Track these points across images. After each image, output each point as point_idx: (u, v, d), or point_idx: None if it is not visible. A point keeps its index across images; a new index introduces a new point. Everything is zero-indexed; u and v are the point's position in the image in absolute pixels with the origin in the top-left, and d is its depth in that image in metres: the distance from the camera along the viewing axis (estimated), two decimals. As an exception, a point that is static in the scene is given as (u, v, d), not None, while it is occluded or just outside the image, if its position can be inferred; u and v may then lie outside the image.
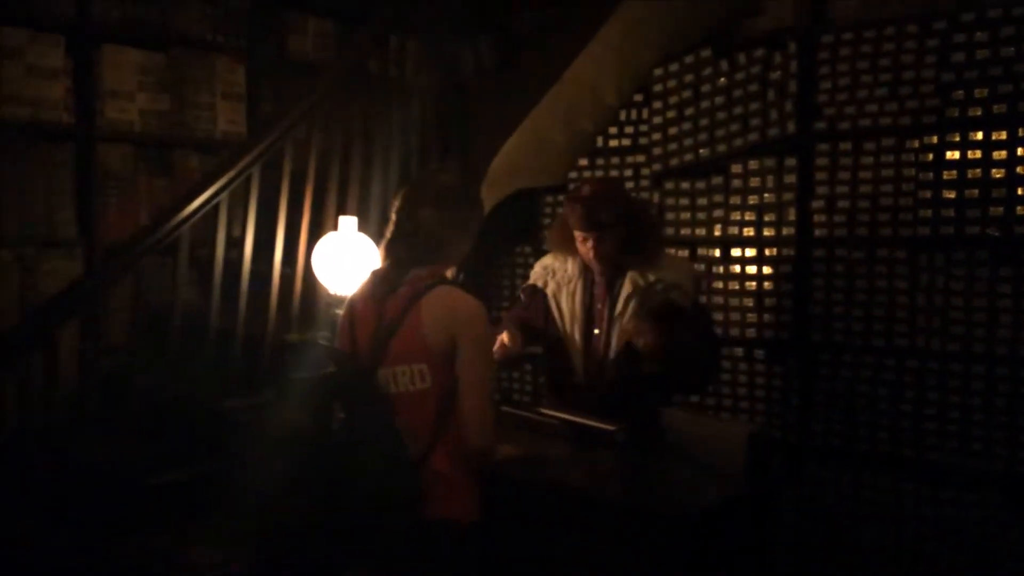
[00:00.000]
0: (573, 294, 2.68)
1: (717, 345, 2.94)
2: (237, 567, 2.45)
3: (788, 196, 3.38)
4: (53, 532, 2.58)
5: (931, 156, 3.08)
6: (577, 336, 2.66)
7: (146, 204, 3.61)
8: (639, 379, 2.55)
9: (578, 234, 2.61)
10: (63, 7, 3.39)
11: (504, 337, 2.62)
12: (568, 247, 2.69)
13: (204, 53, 3.80)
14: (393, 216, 2.08)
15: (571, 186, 3.98)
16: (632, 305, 2.58)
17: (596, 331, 2.66)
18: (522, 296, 2.90)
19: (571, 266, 2.71)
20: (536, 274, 2.82)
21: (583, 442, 2.48)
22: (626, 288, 2.60)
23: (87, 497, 2.66)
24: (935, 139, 3.08)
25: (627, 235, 2.58)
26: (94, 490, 2.69)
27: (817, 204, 3.31)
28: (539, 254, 4.11)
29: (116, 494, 2.69)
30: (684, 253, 3.62)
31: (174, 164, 3.73)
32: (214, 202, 3.00)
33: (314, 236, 3.15)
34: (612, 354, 2.62)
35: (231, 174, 3.01)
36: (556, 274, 2.74)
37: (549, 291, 2.75)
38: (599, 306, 2.65)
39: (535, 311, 2.78)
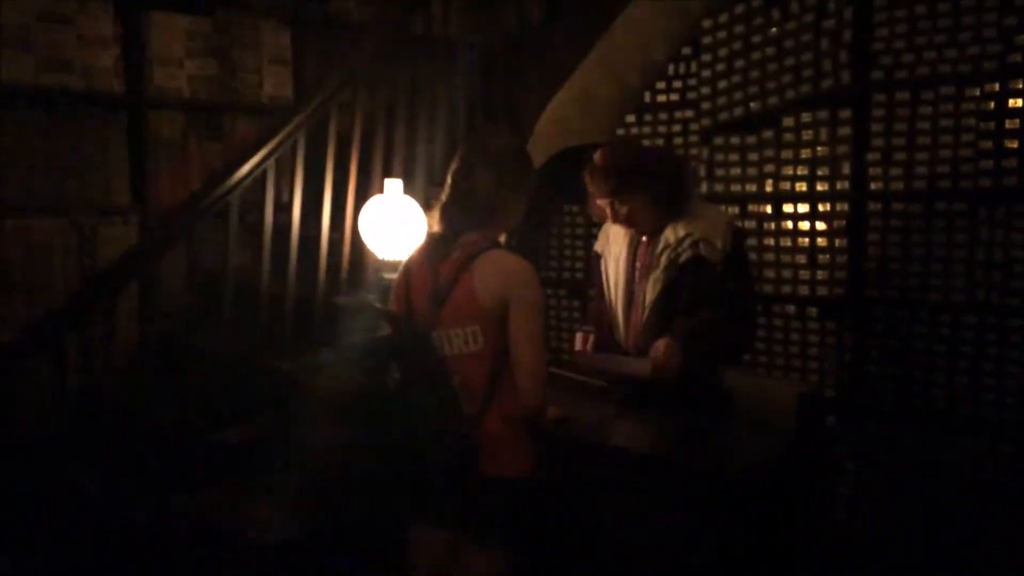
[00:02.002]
0: (618, 259, 2.66)
1: (750, 306, 2.84)
2: (297, 523, 2.52)
3: (842, 149, 3.29)
4: (119, 488, 2.67)
5: (992, 104, 2.97)
6: (619, 302, 2.64)
7: (197, 169, 3.66)
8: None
9: (600, 201, 2.59)
10: (110, -26, 3.42)
11: (578, 338, 2.65)
12: (606, 214, 2.67)
13: (250, 17, 3.81)
14: (448, 179, 2.08)
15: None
16: (663, 261, 2.53)
17: (637, 292, 2.63)
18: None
19: (622, 231, 2.68)
20: (599, 240, 2.79)
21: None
22: (660, 244, 2.55)
23: (151, 454, 2.75)
24: (996, 87, 2.96)
25: (654, 194, 2.53)
26: (157, 447, 2.78)
27: (873, 157, 3.22)
28: (586, 213, 4.10)
29: (178, 452, 2.78)
30: (734, 210, 3.56)
31: (223, 129, 3.77)
32: (262, 167, 3.03)
33: (361, 199, 3.16)
34: (643, 319, 2.59)
35: (277, 140, 3.04)
36: (611, 239, 2.71)
37: (603, 257, 2.72)
38: (640, 268, 2.62)
39: (596, 281, 2.77)
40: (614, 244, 2.68)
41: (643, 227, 2.59)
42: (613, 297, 2.66)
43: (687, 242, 2.50)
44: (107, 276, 2.94)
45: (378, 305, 2.20)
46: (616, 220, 2.59)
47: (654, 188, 2.52)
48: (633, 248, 2.63)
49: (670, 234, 2.53)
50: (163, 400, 2.98)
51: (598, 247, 2.77)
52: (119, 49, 3.44)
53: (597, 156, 2.56)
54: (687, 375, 2.43)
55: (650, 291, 2.54)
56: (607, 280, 2.68)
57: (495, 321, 1.96)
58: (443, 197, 2.09)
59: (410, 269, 2.12)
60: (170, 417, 2.92)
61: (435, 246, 2.08)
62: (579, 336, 2.71)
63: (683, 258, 2.50)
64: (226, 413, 2.91)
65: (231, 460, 2.80)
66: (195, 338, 3.13)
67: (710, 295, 2.48)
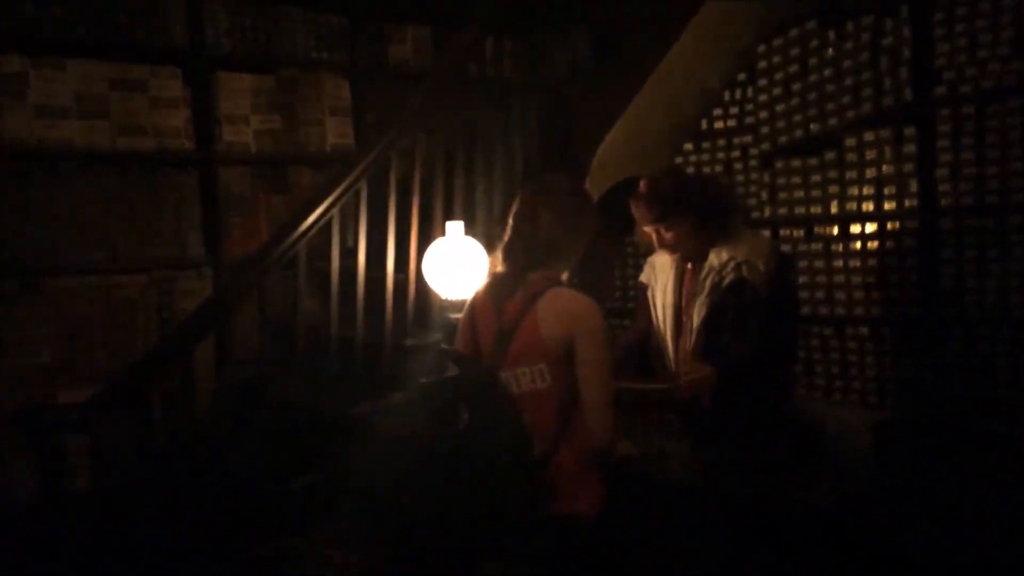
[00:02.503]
0: (666, 287, 2.67)
1: (794, 330, 2.83)
2: (372, 567, 2.53)
3: (908, 167, 3.23)
4: (197, 535, 2.73)
5: (1064, 113, 2.89)
6: (668, 330, 2.64)
7: (266, 220, 3.77)
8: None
9: (646, 228, 2.60)
10: (177, 39, 3.59)
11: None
12: (653, 241, 2.69)
13: (311, 71, 3.94)
14: (511, 220, 2.12)
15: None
16: (707, 285, 2.53)
17: (684, 318, 2.63)
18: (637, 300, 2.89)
19: (668, 257, 2.69)
20: (644, 271, 2.81)
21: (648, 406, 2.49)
22: (705, 269, 2.56)
23: (228, 501, 2.81)
24: (1067, 95, 2.88)
25: (697, 220, 2.54)
26: (234, 495, 2.83)
27: (941, 173, 3.15)
28: (647, 243, 4.08)
29: (253, 498, 2.83)
30: (799, 233, 3.51)
31: (289, 180, 3.89)
32: (327, 216, 3.11)
33: (424, 242, 3.21)
34: (691, 344, 2.57)
35: (341, 188, 3.10)
36: (656, 269, 2.74)
37: (650, 286, 2.74)
38: (686, 294, 2.62)
39: (643, 311, 2.78)
40: (660, 273, 2.71)
41: (688, 253, 2.61)
42: (662, 325, 2.67)
43: (730, 265, 2.51)
44: (184, 329, 3.04)
45: (444, 346, 2.23)
46: (662, 246, 2.61)
47: (697, 214, 2.54)
48: (679, 276, 2.65)
49: (714, 259, 2.55)
50: (237, 447, 3.05)
51: (644, 278, 2.81)
52: (189, 110, 3.58)
53: (642, 184, 2.60)
54: (742, 405, 2.41)
55: (696, 316, 2.55)
56: (655, 308, 2.70)
57: (561, 359, 1.97)
58: (505, 238, 2.12)
59: (475, 309, 2.15)
60: (243, 464, 2.98)
61: (499, 286, 2.11)
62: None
63: (727, 281, 2.50)
64: (298, 459, 2.96)
65: (303, 505, 2.84)
66: (268, 385, 3.20)
67: (753, 318, 2.47)
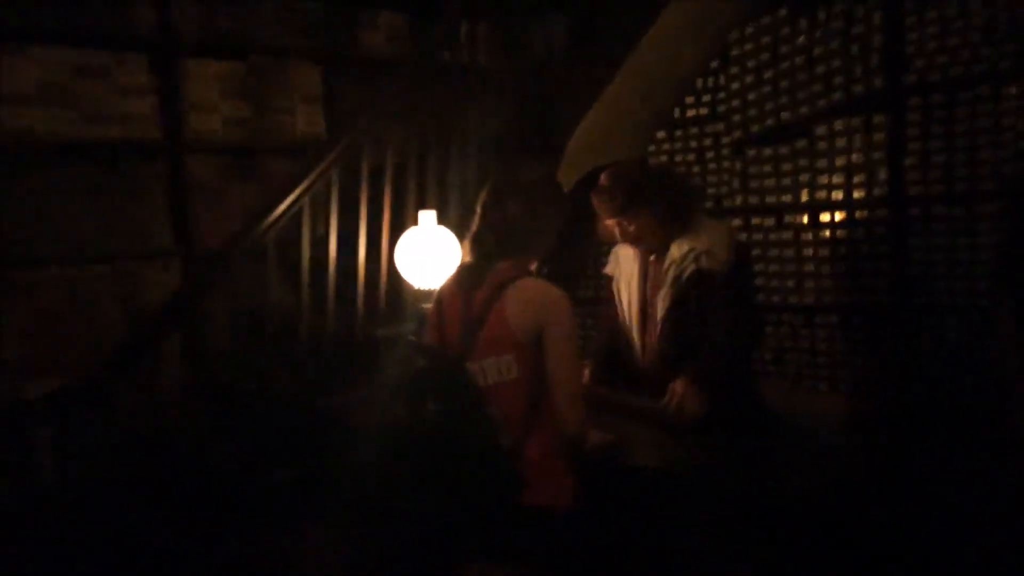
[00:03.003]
0: (630, 279, 2.67)
1: (757, 319, 2.85)
2: (351, 562, 2.52)
3: (878, 155, 3.24)
4: (171, 530, 2.71)
5: (1032, 101, 2.91)
6: (634, 321, 2.64)
7: (236, 209, 3.73)
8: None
9: (608, 222, 2.60)
10: (144, 25, 3.52)
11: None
12: (612, 235, 2.68)
13: (281, 58, 3.89)
14: (479, 209, 2.10)
15: (650, 159, 3.92)
16: (669, 277, 2.53)
17: (650, 310, 2.63)
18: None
19: (632, 250, 2.69)
20: (609, 263, 2.80)
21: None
22: (667, 261, 2.56)
23: (203, 495, 2.78)
24: (1035, 82, 2.90)
25: (659, 210, 2.55)
26: (210, 488, 2.81)
27: (910, 161, 3.17)
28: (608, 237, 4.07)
29: (230, 492, 2.81)
30: (769, 221, 3.52)
31: (259, 169, 3.84)
32: (298, 205, 3.07)
33: (396, 231, 3.19)
34: (656, 336, 2.58)
35: (312, 177, 3.08)
36: (620, 261, 2.73)
37: (615, 278, 2.73)
38: (650, 286, 2.62)
39: (610, 303, 2.77)
40: (624, 264, 2.71)
41: (650, 245, 2.61)
42: (628, 316, 2.67)
43: (690, 256, 2.52)
44: (152, 320, 3.00)
45: (412, 337, 2.22)
46: (625, 239, 2.61)
47: (658, 205, 2.55)
48: (643, 267, 2.64)
49: (675, 250, 2.55)
50: (211, 441, 3.02)
51: (609, 269, 2.80)
52: (156, 98, 3.52)
53: (602, 177, 2.59)
54: (722, 399, 2.41)
55: (660, 307, 2.55)
56: (620, 300, 2.70)
57: (529, 349, 1.96)
58: (473, 227, 2.11)
59: (442, 300, 2.13)
60: (222, 457, 2.95)
61: (466, 276, 2.09)
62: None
63: (687, 272, 2.52)
64: (271, 451, 2.94)
65: (280, 499, 2.82)
66: (239, 377, 3.18)
67: (716, 307, 2.48)
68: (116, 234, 3.43)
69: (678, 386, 2.38)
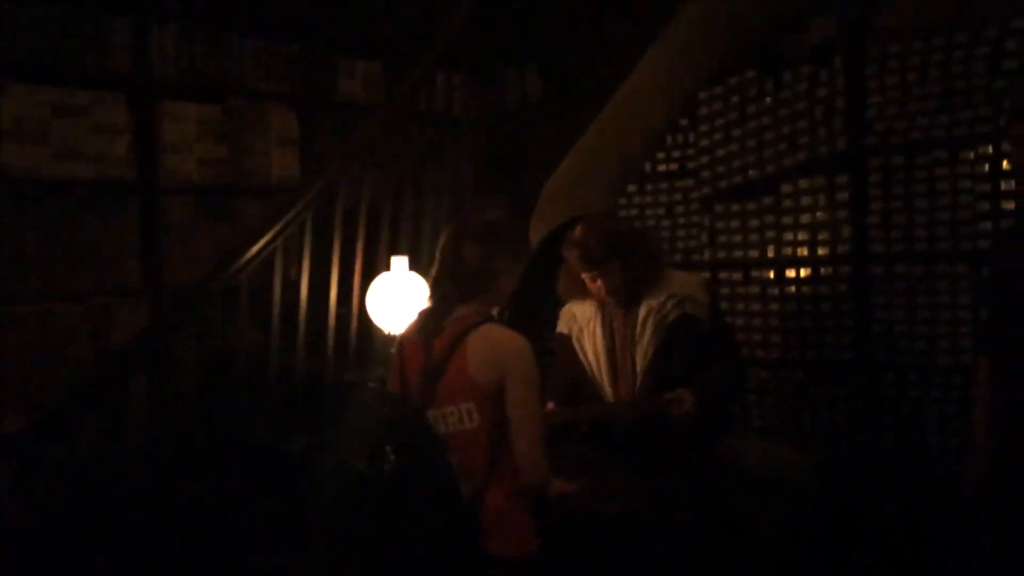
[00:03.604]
0: (593, 333, 2.68)
1: (741, 366, 2.93)
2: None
3: (842, 213, 3.33)
4: (134, 570, 2.66)
5: (987, 167, 3.01)
6: (604, 375, 2.65)
7: (208, 250, 3.73)
8: (669, 418, 2.53)
9: (584, 275, 2.63)
10: (123, 65, 3.55)
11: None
12: (579, 290, 2.70)
13: (258, 101, 3.93)
14: (438, 255, 2.11)
15: (620, 212, 3.99)
16: (650, 327, 2.58)
17: (621, 362, 2.66)
18: (555, 349, 2.88)
19: (588, 307, 2.72)
20: (561, 322, 2.81)
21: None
22: (642, 312, 2.60)
23: (164, 537, 2.75)
24: (990, 149, 3.00)
25: (629, 263, 2.59)
26: (175, 530, 2.78)
27: (872, 220, 3.26)
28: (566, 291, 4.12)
29: (196, 532, 2.77)
30: (737, 276, 3.59)
31: (233, 211, 3.85)
32: (271, 247, 3.09)
33: (368, 275, 3.21)
34: (638, 385, 2.61)
35: (285, 220, 3.09)
36: (577, 318, 2.74)
37: (574, 337, 2.75)
38: (620, 339, 2.65)
39: (567, 360, 2.77)
40: (582, 321, 2.72)
41: (620, 298, 2.63)
42: (596, 371, 2.67)
43: (670, 303, 2.57)
44: (119, 359, 2.98)
45: (372, 384, 2.21)
46: (595, 293, 2.63)
47: (633, 258, 2.59)
48: (606, 321, 2.67)
49: (651, 300, 2.59)
50: (176, 481, 2.99)
51: (564, 328, 2.78)
52: (131, 137, 3.54)
53: (578, 231, 2.62)
54: (689, 435, 2.45)
55: (641, 358, 2.57)
56: (586, 356, 2.70)
57: (490, 397, 1.95)
58: (433, 273, 2.12)
59: (404, 346, 2.13)
60: (186, 499, 2.92)
61: (426, 322, 2.08)
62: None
63: (671, 318, 2.56)
64: (237, 495, 2.91)
65: (246, 542, 2.79)
66: (207, 419, 3.15)
67: (704, 351, 2.54)
68: (87, 272, 3.42)
69: (683, 393, 2.44)
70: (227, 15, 3.84)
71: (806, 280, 3.42)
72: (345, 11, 4.19)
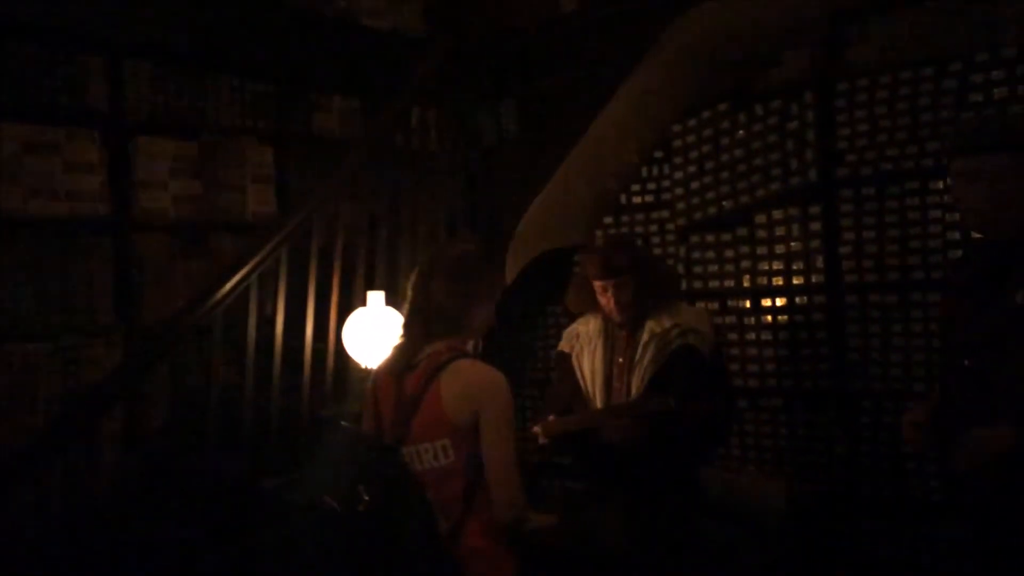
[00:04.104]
0: (594, 352, 2.73)
1: (733, 400, 2.98)
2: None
3: (815, 243, 3.36)
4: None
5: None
6: (598, 394, 2.69)
7: (183, 287, 3.70)
8: (659, 439, 2.55)
9: (598, 285, 2.67)
10: (97, 102, 3.54)
11: (537, 430, 2.68)
12: (588, 304, 2.77)
13: (233, 138, 3.93)
14: (409, 291, 2.10)
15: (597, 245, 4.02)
16: (651, 352, 2.60)
17: (616, 384, 2.67)
18: (553, 370, 2.93)
19: (592, 326, 2.78)
20: (563, 341, 2.88)
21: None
22: (644, 336, 2.63)
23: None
24: (959, 179, 3.04)
25: (642, 282, 2.65)
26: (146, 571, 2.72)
27: (845, 250, 3.29)
28: (569, 314, 4.14)
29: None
30: (714, 305, 3.61)
31: (208, 246, 3.83)
32: (246, 283, 3.07)
33: (344, 311, 3.19)
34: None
35: (260, 256, 3.08)
36: (580, 337, 2.80)
37: (574, 355, 2.79)
38: (620, 359, 2.68)
39: (566, 378, 2.81)
40: (585, 341, 2.77)
41: (627, 316, 2.67)
42: (591, 389, 2.71)
43: (675, 332, 2.61)
44: (89, 398, 2.94)
45: (344, 423, 2.18)
46: (610, 304, 2.66)
47: (649, 277, 2.66)
48: (608, 340, 2.69)
49: (654, 326, 2.62)
50: (147, 521, 2.93)
51: (565, 347, 2.85)
52: (105, 174, 3.52)
53: (602, 240, 2.69)
54: (667, 462, 2.46)
55: (637, 380, 2.59)
56: (583, 374, 2.74)
57: (465, 433, 1.94)
58: (404, 310, 2.11)
59: (377, 382, 2.11)
60: (159, 538, 2.86)
61: (399, 359, 2.07)
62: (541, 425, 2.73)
63: (673, 346, 2.61)
64: (213, 533, 2.86)
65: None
66: (180, 457, 3.11)
67: (701, 384, 2.58)
68: (58, 310, 3.38)
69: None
70: (202, 52, 3.84)
71: (781, 309, 3.44)
72: (321, 47, 4.21)
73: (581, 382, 2.75)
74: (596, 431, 2.62)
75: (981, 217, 2.23)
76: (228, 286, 3.04)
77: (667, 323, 2.63)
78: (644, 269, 2.69)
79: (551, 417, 2.69)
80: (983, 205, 2.20)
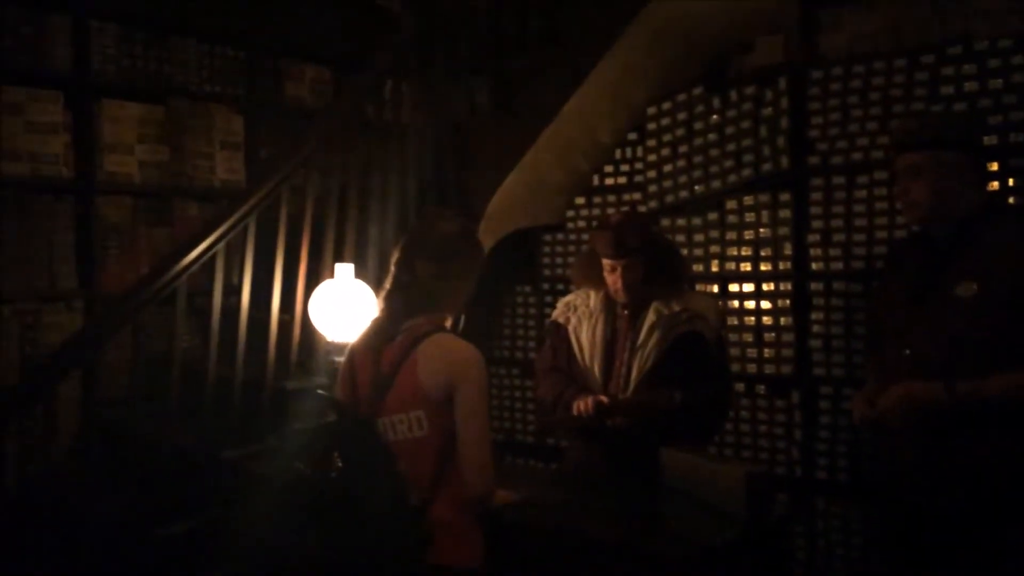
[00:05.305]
0: (594, 328, 2.69)
1: (731, 389, 2.99)
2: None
3: (783, 231, 3.39)
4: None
5: (924, 188, 3.09)
6: (596, 369, 2.66)
7: (147, 254, 3.64)
8: (653, 420, 2.56)
9: (606, 263, 2.65)
10: (61, 63, 3.46)
11: (580, 405, 2.58)
12: (593, 280, 2.72)
13: (202, 104, 3.86)
14: (392, 267, 2.10)
15: (568, 224, 4.01)
16: (656, 334, 2.59)
17: (617, 363, 2.66)
18: (547, 339, 2.89)
19: (593, 301, 2.73)
20: (557, 311, 2.83)
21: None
22: (649, 318, 2.62)
23: (92, 548, 2.65)
24: (928, 171, 3.08)
25: (652, 263, 2.63)
26: (99, 542, 2.68)
27: (813, 238, 3.32)
28: (538, 293, 4.15)
29: (121, 545, 2.68)
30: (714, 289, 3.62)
31: (174, 214, 3.77)
32: (212, 252, 3.02)
33: (312, 283, 3.16)
34: (631, 387, 2.62)
35: (228, 224, 3.03)
36: (577, 309, 2.76)
37: (570, 326, 2.76)
38: (621, 339, 2.67)
39: (560, 349, 2.79)
40: (585, 314, 2.73)
41: (632, 297, 2.65)
42: (588, 363, 2.69)
43: (683, 316, 2.61)
44: (47, 364, 2.88)
45: (322, 392, 2.18)
46: (617, 284, 2.63)
47: (658, 260, 2.64)
48: (610, 317, 2.68)
49: (661, 308, 2.62)
50: (105, 493, 2.89)
51: (559, 318, 2.80)
52: (69, 136, 3.44)
53: (616, 217, 2.68)
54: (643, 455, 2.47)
55: (639, 363, 2.60)
56: (580, 347, 2.71)
57: (440, 406, 1.95)
58: (386, 284, 2.10)
59: (355, 354, 2.12)
60: (112, 510, 2.83)
61: (378, 332, 2.08)
62: (591, 401, 2.58)
63: (680, 330, 2.59)
64: (171, 505, 2.83)
65: (175, 554, 2.71)
66: (140, 426, 3.06)
67: (704, 371, 2.58)
68: (17, 273, 3.30)
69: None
70: (169, 15, 3.76)
71: (748, 295, 3.47)
72: (293, 15, 4.15)
73: (578, 356, 2.72)
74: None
75: (923, 211, 2.32)
76: (194, 254, 2.99)
77: (676, 307, 2.61)
78: (657, 251, 2.65)
79: (602, 398, 2.58)
80: (925, 200, 2.28)
